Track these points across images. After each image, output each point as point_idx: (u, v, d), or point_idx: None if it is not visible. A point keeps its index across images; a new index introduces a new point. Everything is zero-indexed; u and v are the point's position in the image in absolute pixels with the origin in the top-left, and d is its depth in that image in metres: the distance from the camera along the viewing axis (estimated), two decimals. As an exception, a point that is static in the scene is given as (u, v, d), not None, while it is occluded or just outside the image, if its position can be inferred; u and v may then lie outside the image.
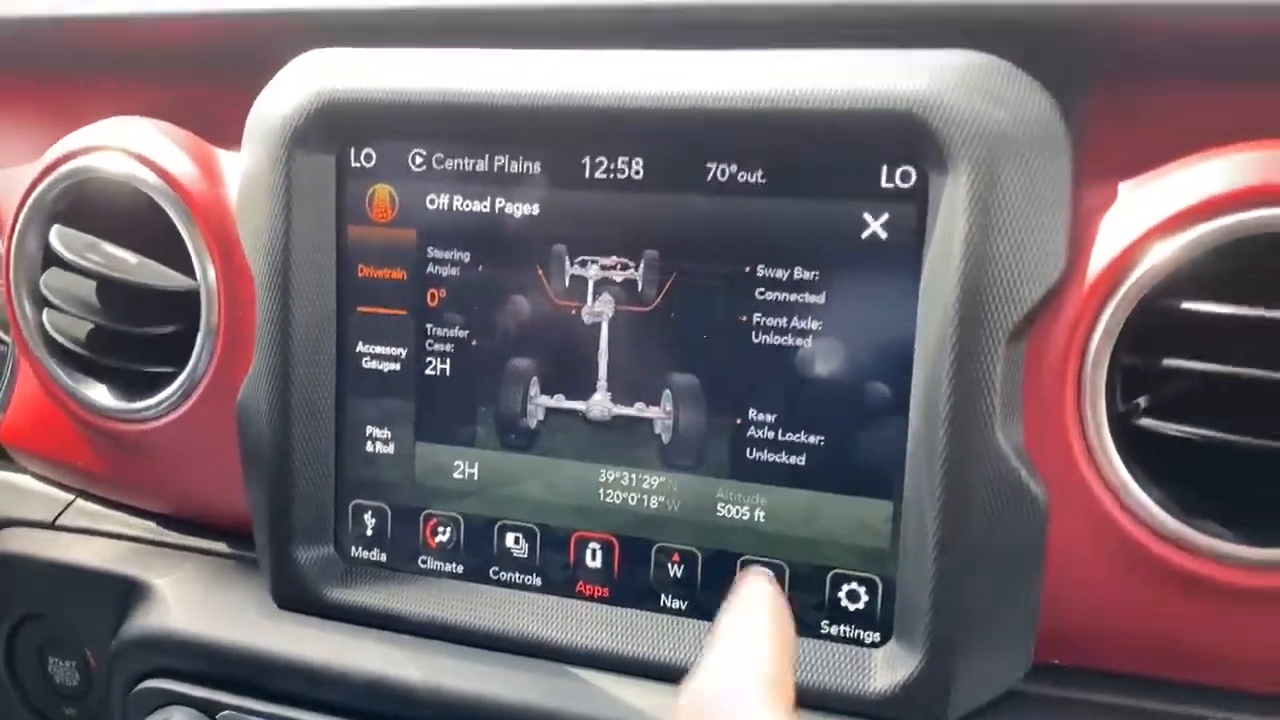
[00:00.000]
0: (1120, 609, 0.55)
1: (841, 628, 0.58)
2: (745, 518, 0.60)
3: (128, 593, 0.72)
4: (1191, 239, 0.51)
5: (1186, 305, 0.52)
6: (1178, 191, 0.52)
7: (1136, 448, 0.54)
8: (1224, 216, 0.51)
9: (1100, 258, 0.53)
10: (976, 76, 0.53)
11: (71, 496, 0.80)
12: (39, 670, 0.82)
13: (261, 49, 0.66)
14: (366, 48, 0.63)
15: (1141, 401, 0.54)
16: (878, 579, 0.58)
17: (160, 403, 0.70)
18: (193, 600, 0.70)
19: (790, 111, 0.54)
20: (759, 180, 0.57)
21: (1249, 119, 0.53)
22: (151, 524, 0.77)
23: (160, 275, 0.69)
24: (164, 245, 0.69)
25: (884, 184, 0.55)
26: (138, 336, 0.70)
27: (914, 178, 0.55)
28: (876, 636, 0.58)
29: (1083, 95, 0.55)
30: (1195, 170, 0.52)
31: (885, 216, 0.55)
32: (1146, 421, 0.53)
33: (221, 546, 0.75)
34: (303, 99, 0.62)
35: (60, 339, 0.71)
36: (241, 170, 0.65)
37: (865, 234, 0.56)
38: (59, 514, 0.79)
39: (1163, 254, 0.51)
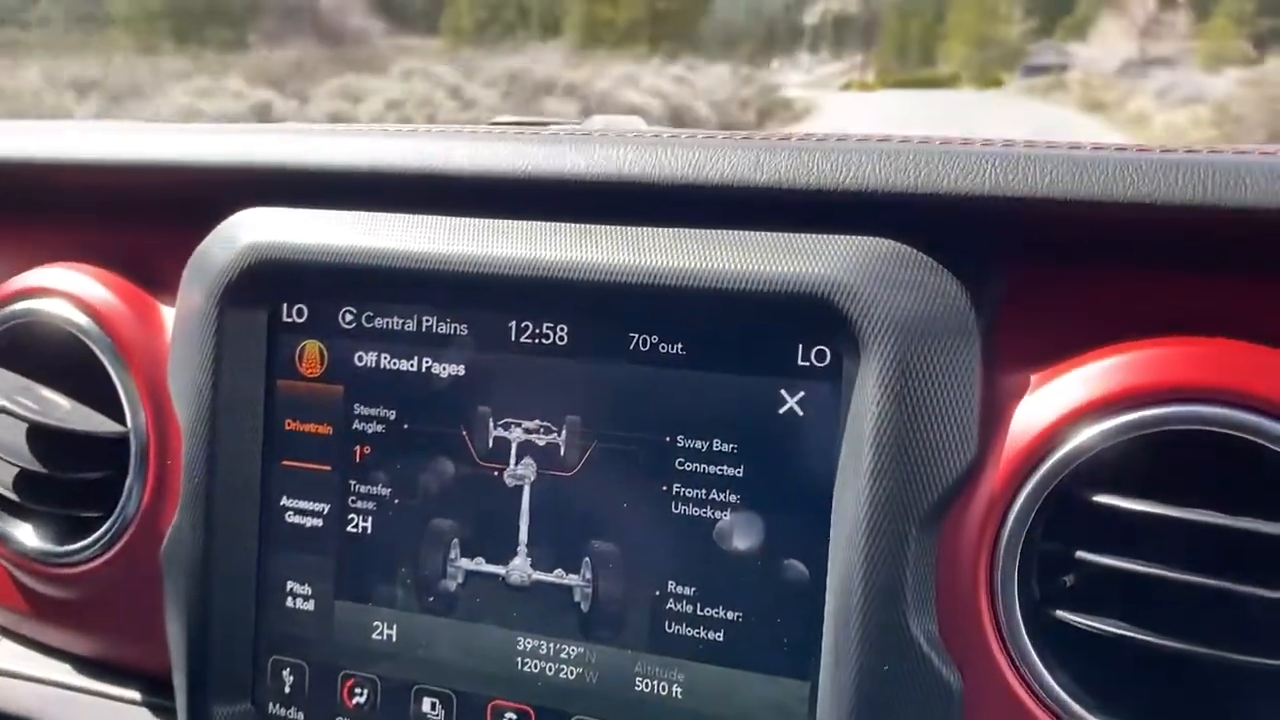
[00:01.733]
0: None
1: None
2: (664, 693, 0.59)
3: None
4: (1102, 430, 0.52)
5: (1098, 498, 0.53)
6: (1090, 383, 0.53)
7: (1051, 633, 0.54)
8: (1134, 411, 0.52)
9: (1012, 445, 0.54)
10: (888, 263, 0.54)
11: None
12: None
13: (202, 201, 0.67)
14: (302, 208, 0.65)
15: (1068, 590, 0.55)
16: None
17: (86, 547, 0.70)
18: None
19: (709, 290, 0.56)
20: (679, 352, 0.58)
21: (1160, 311, 0.55)
22: (69, 667, 0.77)
23: (91, 421, 0.70)
24: (97, 389, 0.70)
25: (800, 362, 0.56)
26: (67, 481, 0.70)
27: (829, 357, 0.55)
28: None
29: (994, 282, 0.56)
30: (1108, 363, 0.53)
31: (801, 394, 0.56)
32: (1060, 613, 0.53)
33: (137, 695, 0.74)
34: (237, 254, 0.64)
35: (-13, 481, 0.71)
36: (175, 321, 0.66)
37: (783, 409, 0.57)
38: None
39: (1074, 444, 0.52)
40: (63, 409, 0.71)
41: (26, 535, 0.72)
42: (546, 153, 0.62)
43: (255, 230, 0.65)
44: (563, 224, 0.60)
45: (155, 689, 0.73)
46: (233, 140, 0.69)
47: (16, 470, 0.72)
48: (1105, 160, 0.53)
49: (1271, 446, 0.49)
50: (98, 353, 0.69)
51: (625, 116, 0.98)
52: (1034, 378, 0.55)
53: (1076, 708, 0.52)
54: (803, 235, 0.56)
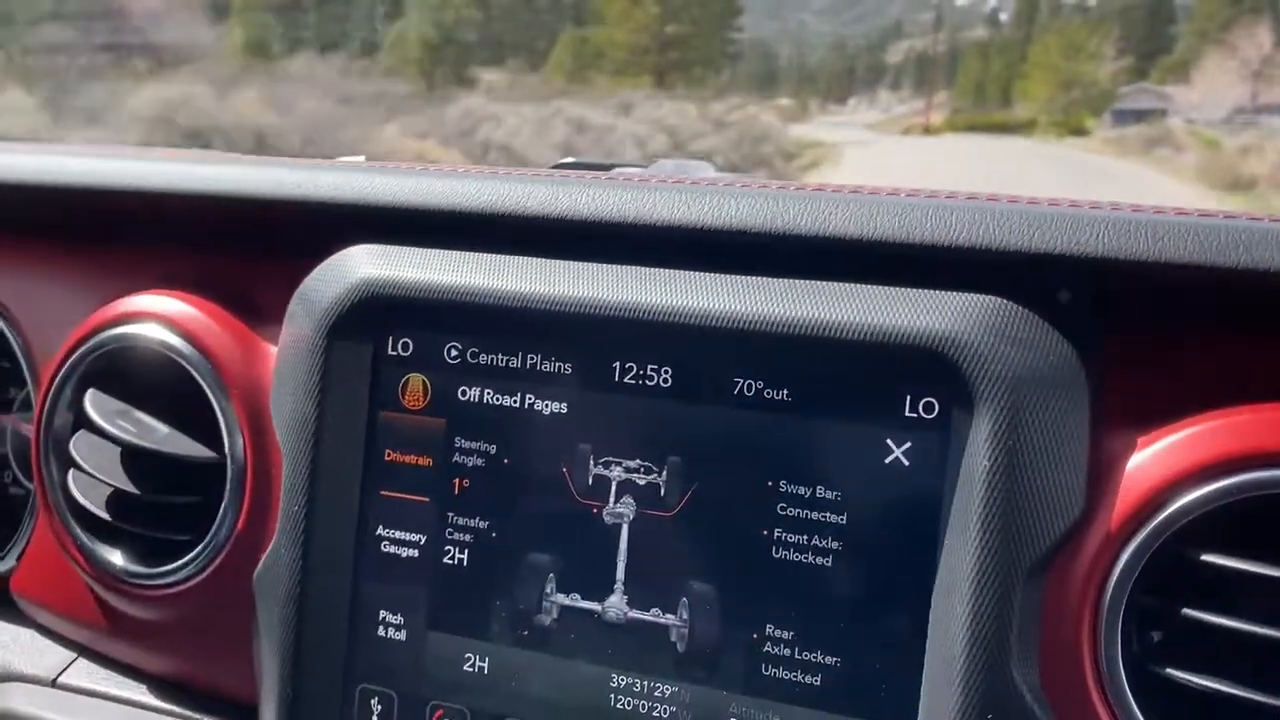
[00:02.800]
0: None
1: None
2: None
3: None
4: (1208, 492, 0.53)
5: (1205, 557, 0.54)
6: (1197, 445, 0.54)
7: (1150, 689, 0.55)
8: (1239, 475, 0.53)
9: (1120, 502, 0.55)
10: (999, 318, 0.56)
11: (74, 655, 0.81)
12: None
13: (304, 235, 0.70)
14: (409, 246, 0.67)
15: (1165, 640, 0.56)
16: None
17: (177, 569, 0.71)
18: (189, 777, 0.71)
19: (819, 339, 0.58)
20: (784, 398, 0.60)
21: (1265, 378, 0.56)
22: (146, 688, 0.78)
23: (188, 446, 0.72)
24: (193, 414, 0.72)
25: (908, 413, 0.58)
26: (161, 504, 0.72)
27: (937, 409, 0.57)
28: None
29: (1101, 342, 0.58)
30: (1214, 425, 0.55)
31: (908, 444, 0.58)
32: (1163, 670, 0.54)
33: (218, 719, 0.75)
34: (348, 288, 0.66)
35: (82, 501, 0.73)
36: (280, 350, 0.68)
37: (889, 459, 0.58)
38: (60, 671, 0.80)
39: (1180, 504, 0.54)
40: (159, 433, 0.72)
41: (116, 555, 0.73)
42: (656, 200, 0.64)
43: (365, 265, 0.67)
44: (669, 271, 0.62)
45: (237, 714, 0.74)
46: (336, 177, 0.71)
47: (110, 490, 0.73)
48: (1214, 228, 0.55)
49: None
50: (197, 377, 0.71)
51: (694, 161, 1.01)
52: (1141, 438, 0.57)
53: None
54: (912, 290, 0.57)
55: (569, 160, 1.12)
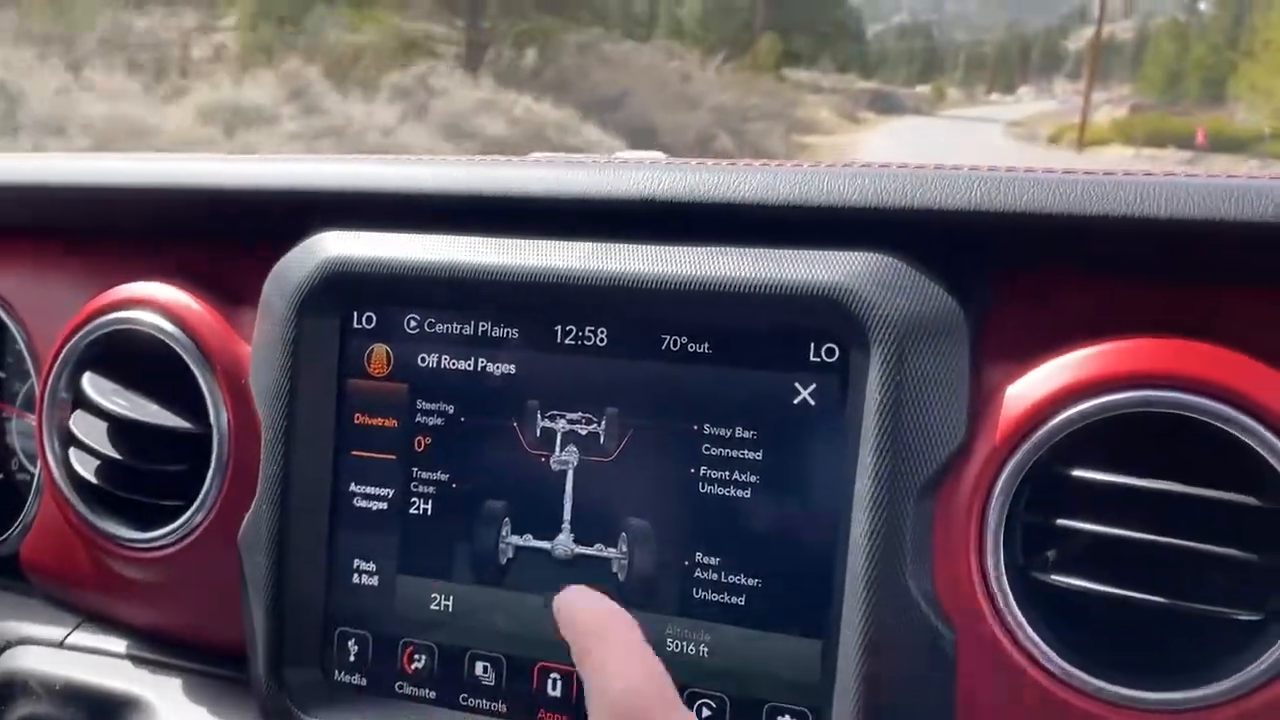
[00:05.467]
0: None
1: None
2: (691, 653, 0.69)
3: (129, 709, 0.83)
4: (1076, 412, 0.62)
5: (1077, 472, 0.63)
6: (1065, 372, 0.63)
7: (1034, 594, 0.64)
8: (1107, 395, 0.62)
9: (1000, 426, 0.64)
10: (887, 272, 0.65)
11: (79, 619, 0.91)
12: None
13: (277, 224, 0.79)
14: (371, 229, 0.76)
15: (1050, 555, 0.65)
16: (809, 711, 0.67)
17: (171, 532, 0.81)
18: (188, 716, 0.81)
19: (733, 296, 0.66)
20: (705, 350, 0.69)
21: (1130, 314, 0.65)
22: (148, 645, 0.88)
23: (177, 420, 0.81)
24: (182, 391, 0.81)
25: (812, 358, 0.67)
26: (154, 473, 0.82)
27: (837, 354, 0.66)
28: None
29: (981, 288, 0.67)
30: (1081, 355, 0.63)
31: (813, 386, 0.67)
32: (1042, 575, 0.64)
33: (214, 669, 0.85)
34: (315, 268, 0.75)
35: (84, 474, 0.83)
36: (257, 329, 0.77)
37: (796, 400, 0.67)
38: (68, 634, 0.90)
39: (1051, 424, 0.63)
40: (151, 408, 0.82)
41: (115, 523, 0.83)
42: (585, 177, 0.74)
43: (330, 248, 0.76)
44: (600, 243, 0.71)
45: (230, 663, 0.84)
46: (306, 168, 0.81)
47: (108, 463, 0.83)
48: (1072, 182, 0.64)
49: (1225, 427, 0.60)
50: (184, 356, 0.80)
51: (650, 152, 1.10)
52: (1019, 369, 0.65)
53: (1059, 659, 0.62)
54: (812, 251, 0.66)
55: (532, 155, 1.21)
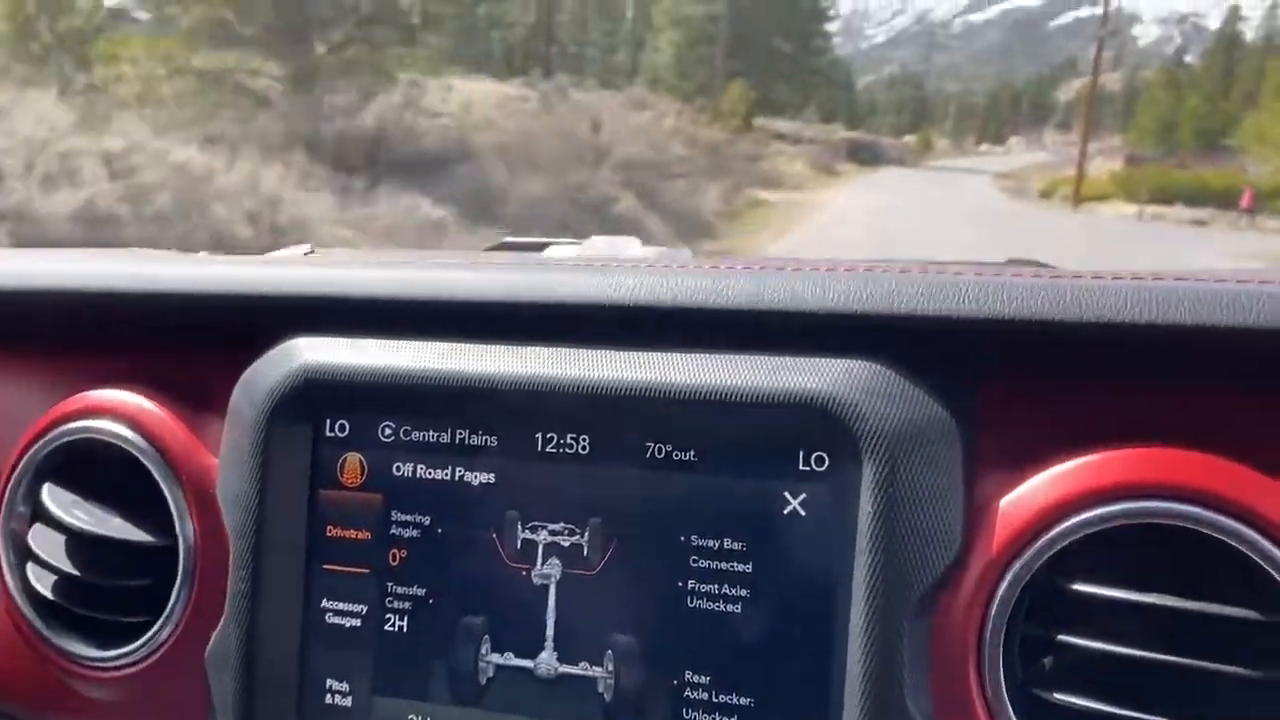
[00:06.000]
0: None
1: None
2: None
3: None
4: (1075, 523, 0.61)
5: (1076, 586, 0.62)
6: (1063, 483, 0.62)
7: (1037, 711, 0.62)
8: (1105, 506, 0.61)
9: (996, 537, 0.63)
10: (876, 380, 0.64)
11: None
12: None
13: (250, 328, 0.77)
14: (344, 334, 0.75)
15: (1049, 667, 0.64)
16: None
17: (133, 651, 0.78)
18: None
19: (720, 404, 0.65)
20: (691, 459, 0.68)
21: (1122, 420, 0.64)
22: None
23: (141, 532, 0.79)
24: (147, 502, 0.78)
25: (801, 467, 0.66)
26: (116, 588, 0.79)
27: (827, 463, 0.65)
28: None
29: (972, 395, 0.66)
30: (1081, 464, 0.62)
31: (803, 496, 0.65)
32: (1044, 693, 0.62)
33: None
34: (287, 375, 0.73)
35: (41, 590, 0.80)
36: (226, 438, 0.75)
37: (786, 510, 0.66)
38: None
39: (1050, 536, 0.61)
40: (114, 521, 0.80)
41: (75, 641, 0.79)
42: (562, 281, 0.73)
43: (301, 355, 0.74)
44: (582, 349, 0.70)
45: None
46: (275, 272, 0.79)
47: (67, 578, 0.80)
48: (1060, 288, 0.64)
49: (1223, 538, 0.59)
50: (149, 466, 0.78)
51: (623, 238, 1.09)
52: (1015, 479, 0.64)
53: None
54: (800, 358, 0.65)
55: (507, 240, 1.22)
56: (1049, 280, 0.65)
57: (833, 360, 0.65)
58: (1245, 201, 23.28)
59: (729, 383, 0.66)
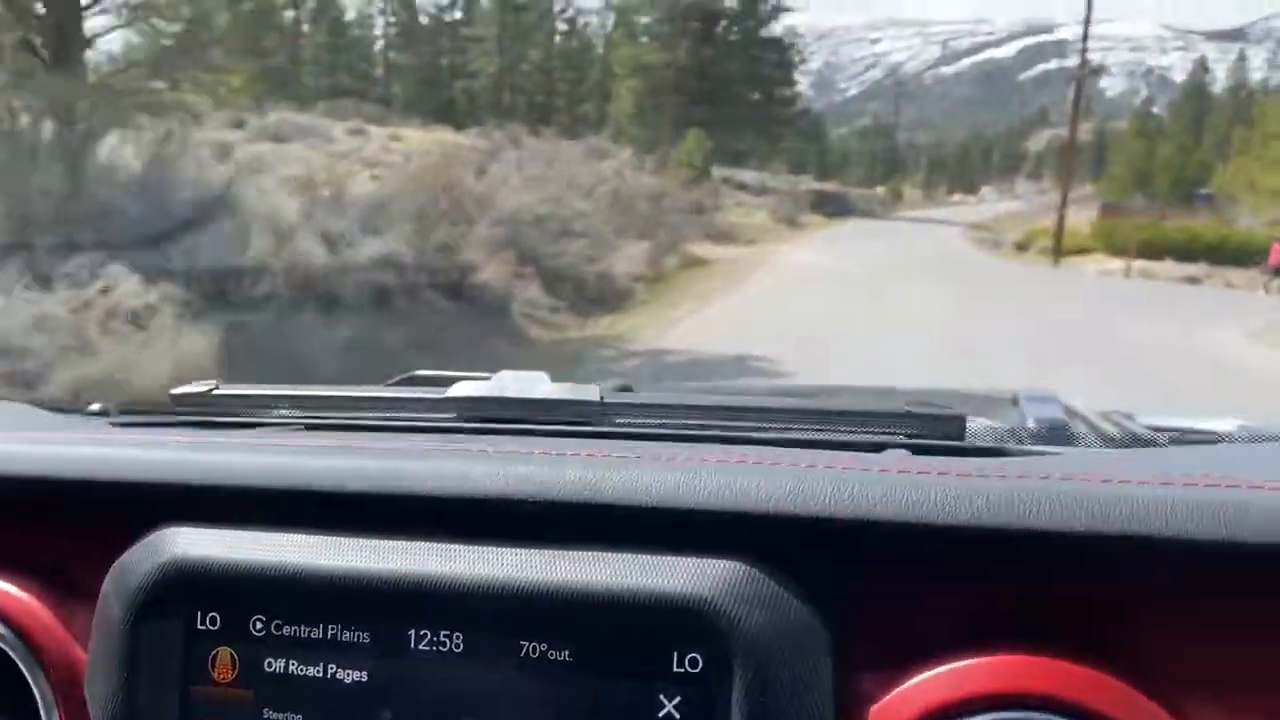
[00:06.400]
0: None
1: None
2: None
3: None
4: None
5: None
6: (935, 689, 0.62)
7: None
8: (975, 715, 0.61)
9: None
10: (745, 582, 0.63)
11: None
12: None
13: (123, 515, 0.76)
14: (218, 523, 0.73)
15: None
16: None
17: None
18: None
19: (594, 604, 0.65)
20: (566, 658, 0.66)
21: (1003, 625, 0.64)
22: None
23: (6, 727, 0.77)
24: (9, 696, 0.76)
25: (675, 668, 0.64)
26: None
27: (700, 665, 0.64)
28: None
29: (843, 596, 0.65)
30: (950, 670, 0.62)
31: (677, 698, 0.64)
32: None
33: None
34: (155, 568, 0.71)
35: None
36: (94, 631, 0.73)
37: (661, 713, 0.64)
38: None
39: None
40: (-21, 716, 0.78)
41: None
42: (441, 470, 0.72)
43: (174, 545, 0.72)
44: (456, 545, 0.69)
45: None
46: (150, 456, 0.78)
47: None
48: (928, 484, 0.64)
49: None
50: (15, 659, 0.76)
51: (531, 373, 1.03)
52: (885, 685, 0.63)
53: None
54: (671, 558, 0.65)
55: (416, 373, 1.18)
56: (916, 476, 0.66)
57: (705, 561, 0.65)
58: (1275, 259, 20.43)
59: (602, 582, 0.65)
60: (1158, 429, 1.05)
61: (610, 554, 0.67)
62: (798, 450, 0.74)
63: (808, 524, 0.65)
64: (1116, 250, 23.28)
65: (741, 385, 2.48)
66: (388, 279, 10.48)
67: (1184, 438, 1.03)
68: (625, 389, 1.26)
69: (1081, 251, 24.67)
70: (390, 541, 0.70)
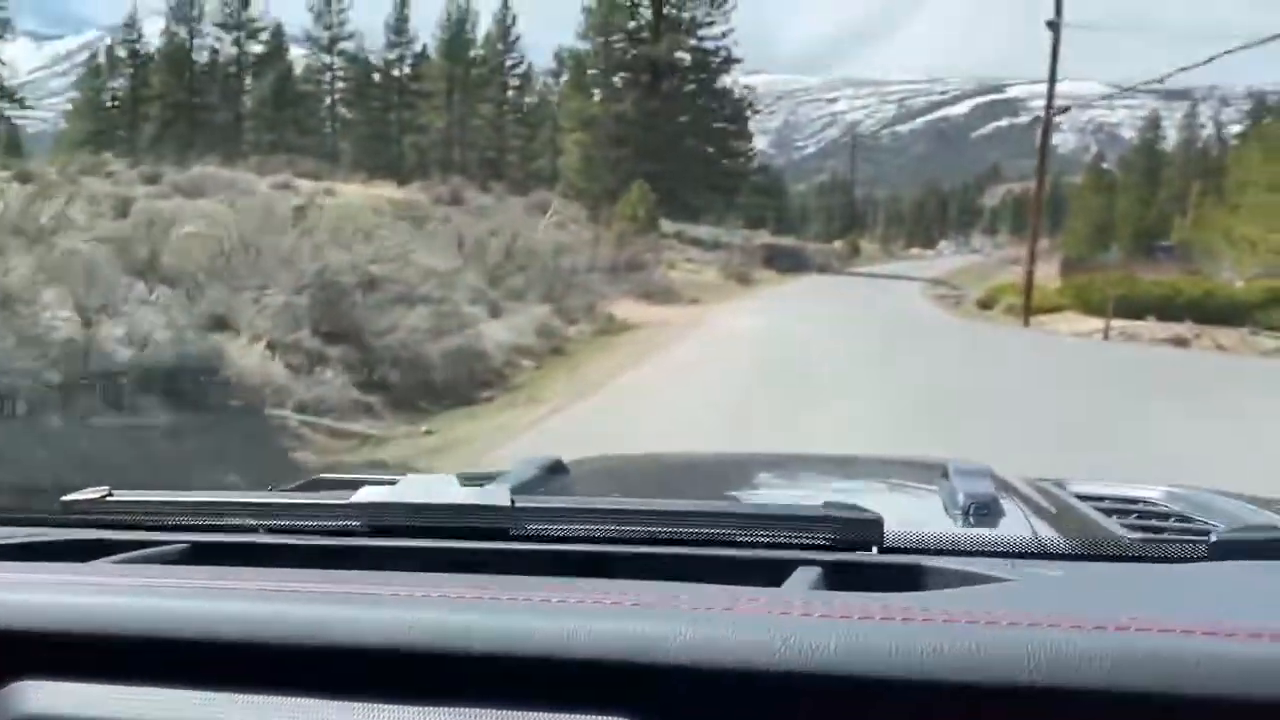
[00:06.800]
0: None
1: None
2: None
3: None
4: None
5: None
6: None
7: None
8: None
9: None
10: None
11: None
12: None
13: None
14: (78, 680, 0.69)
15: None
16: None
17: None
18: None
19: None
20: None
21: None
22: None
23: None
24: None
25: None
26: None
27: None
28: None
29: None
30: None
31: None
32: None
33: None
34: None
35: None
36: None
37: None
38: None
39: None
40: None
41: None
42: (313, 617, 0.69)
43: (26, 701, 0.69)
44: (336, 700, 0.66)
45: None
46: (14, 598, 0.74)
47: None
48: (817, 629, 0.64)
49: None
50: None
51: (439, 476, 1.04)
52: None
53: None
54: (545, 714, 0.63)
55: (322, 476, 1.23)
56: (817, 622, 0.65)
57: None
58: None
59: None
60: (1086, 497, 1.23)
61: (484, 710, 0.64)
62: (697, 586, 0.74)
63: (698, 677, 0.63)
64: (1090, 308, 20.76)
65: (684, 456, 2.23)
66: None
67: (1111, 508, 1.16)
68: (557, 467, 1.37)
69: (1052, 310, 22.04)
70: (249, 695, 0.67)
